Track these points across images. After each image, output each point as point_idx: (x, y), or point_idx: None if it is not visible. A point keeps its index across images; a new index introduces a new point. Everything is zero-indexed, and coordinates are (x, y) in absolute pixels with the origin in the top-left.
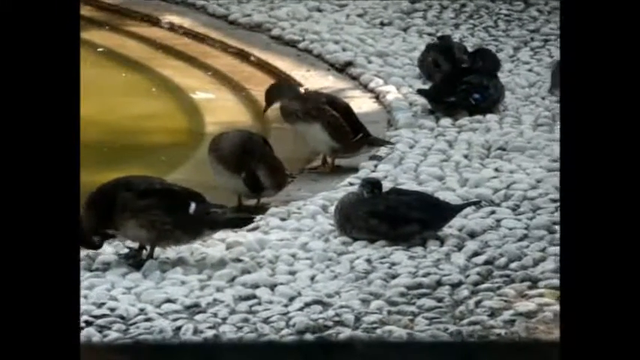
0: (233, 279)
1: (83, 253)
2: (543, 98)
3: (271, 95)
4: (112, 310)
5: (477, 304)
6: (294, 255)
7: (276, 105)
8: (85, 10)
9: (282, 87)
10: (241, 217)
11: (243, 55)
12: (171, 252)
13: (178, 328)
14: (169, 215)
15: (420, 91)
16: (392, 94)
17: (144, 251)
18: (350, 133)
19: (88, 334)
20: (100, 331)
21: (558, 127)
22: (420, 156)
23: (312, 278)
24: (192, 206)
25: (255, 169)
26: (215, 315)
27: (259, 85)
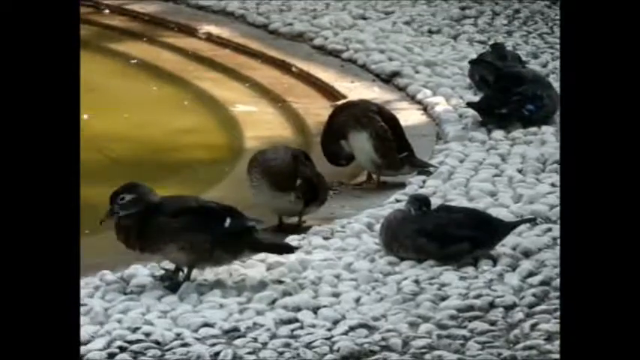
0: (274, 302)
1: (116, 275)
2: None
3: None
4: (147, 335)
5: (533, 327)
6: (338, 276)
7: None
8: (119, 21)
9: None
10: (284, 246)
11: (284, 66)
12: (209, 274)
13: (217, 354)
14: (207, 234)
15: (470, 104)
16: (441, 105)
17: (180, 273)
18: (395, 150)
19: None
20: (134, 357)
21: None
22: (470, 170)
23: (357, 300)
24: (228, 221)
25: (309, 179)
26: (255, 340)
27: (301, 98)
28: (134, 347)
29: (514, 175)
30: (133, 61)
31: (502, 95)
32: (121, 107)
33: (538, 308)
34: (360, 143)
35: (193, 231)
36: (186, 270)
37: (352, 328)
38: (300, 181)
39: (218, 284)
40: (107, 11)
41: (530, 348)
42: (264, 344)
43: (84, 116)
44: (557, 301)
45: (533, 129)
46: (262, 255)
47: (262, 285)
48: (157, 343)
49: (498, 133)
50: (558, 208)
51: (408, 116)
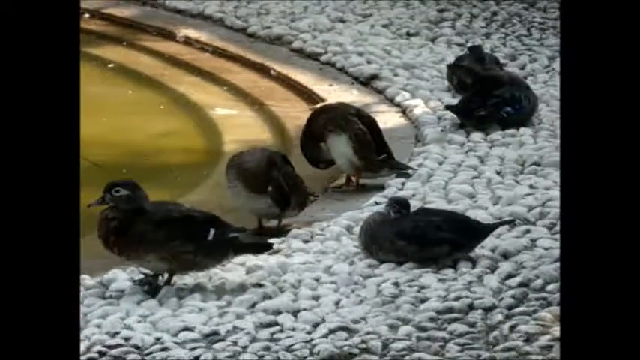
0: (253, 305)
1: (95, 280)
2: None
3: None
4: (127, 339)
5: (512, 328)
6: (318, 279)
7: (299, 122)
8: (97, 25)
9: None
10: (263, 243)
11: (262, 70)
12: (188, 278)
13: (196, 358)
14: (189, 245)
15: (449, 107)
16: (419, 108)
17: (160, 277)
18: (374, 152)
19: None
20: None
21: None
22: (449, 173)
23: (337, 303)
24: (212, 232)
25: (280, 186)
26: (235, 343)
27: (279, 101)
28: (114, 352)
29: (493, 177)
30: (110, 65)
31: (480, 98)
32: (99, 111)
33: (517, 310)
34: (339, 146)
35: (175, 242)
36: (165, 274)
37: (332, 331)
38: (270, 188)
39: (198, 288)
40: (86, 15)
41: (509, 349)
42: (244, 348)
43: None
44: (536, 303)
45: (512, 131)
46: (242, 258)
47: (242, 288)
48: (137, 347)
49: (477, 136)
50: (537, 210)
51: (387, 119)
